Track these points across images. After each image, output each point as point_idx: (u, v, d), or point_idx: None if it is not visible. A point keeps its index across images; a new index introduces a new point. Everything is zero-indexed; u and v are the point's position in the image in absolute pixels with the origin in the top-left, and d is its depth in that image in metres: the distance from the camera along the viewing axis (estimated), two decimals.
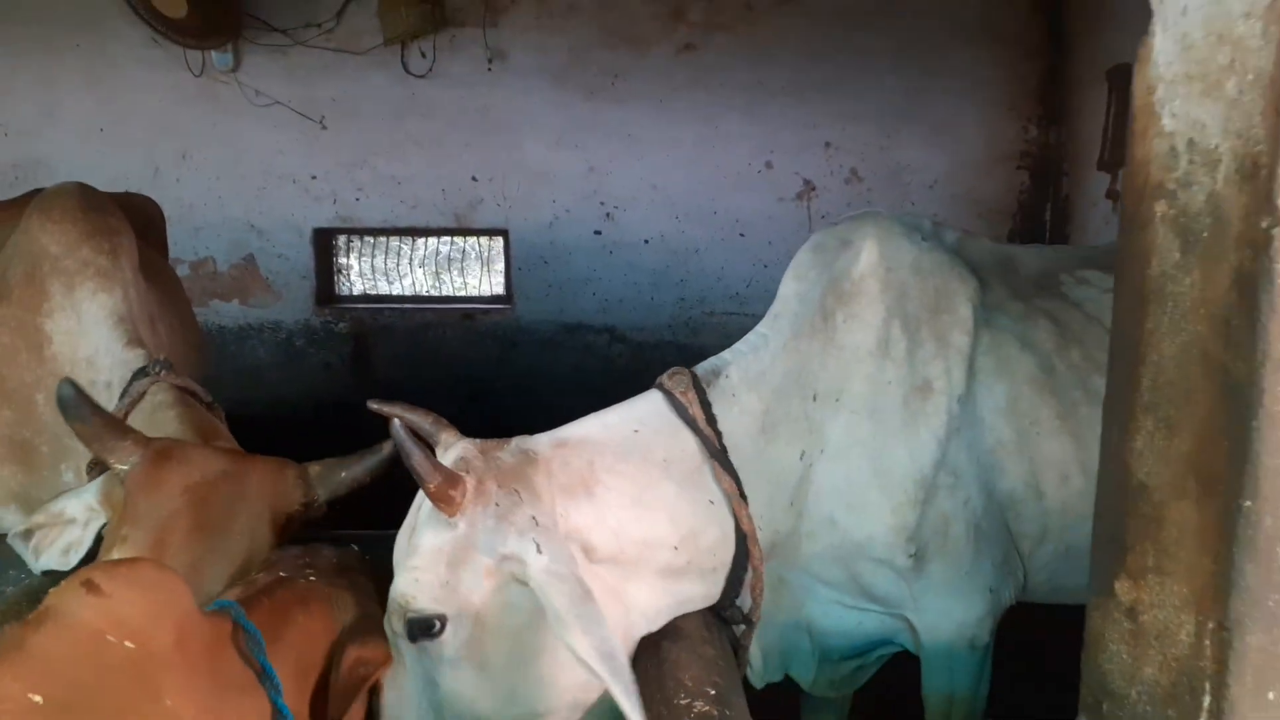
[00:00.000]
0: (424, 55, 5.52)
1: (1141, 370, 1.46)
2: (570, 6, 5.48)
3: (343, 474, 1.92)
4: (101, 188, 3.27)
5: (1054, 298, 2.32)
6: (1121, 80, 4.72)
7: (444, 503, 1.53)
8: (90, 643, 0.98)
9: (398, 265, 6.14)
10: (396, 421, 1.50)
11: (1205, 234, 1.30)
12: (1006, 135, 5.64)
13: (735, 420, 1.94)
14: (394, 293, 6.13)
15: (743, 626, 1.93)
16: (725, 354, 2.07)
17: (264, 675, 1.19)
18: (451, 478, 1.54)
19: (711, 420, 1.89)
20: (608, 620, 1.52)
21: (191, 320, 3.17)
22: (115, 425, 1.82)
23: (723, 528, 1.86)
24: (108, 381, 2.35)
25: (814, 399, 2.03)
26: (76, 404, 1.78)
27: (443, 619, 1.54)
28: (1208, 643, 1.30)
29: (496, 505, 1.58)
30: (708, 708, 1.56)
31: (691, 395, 1.90)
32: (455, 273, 6.16)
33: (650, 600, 1.77)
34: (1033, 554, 2.17)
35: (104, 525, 1.80)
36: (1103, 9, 5.11)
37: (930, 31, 5.39)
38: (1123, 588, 1.52)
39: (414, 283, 6.15)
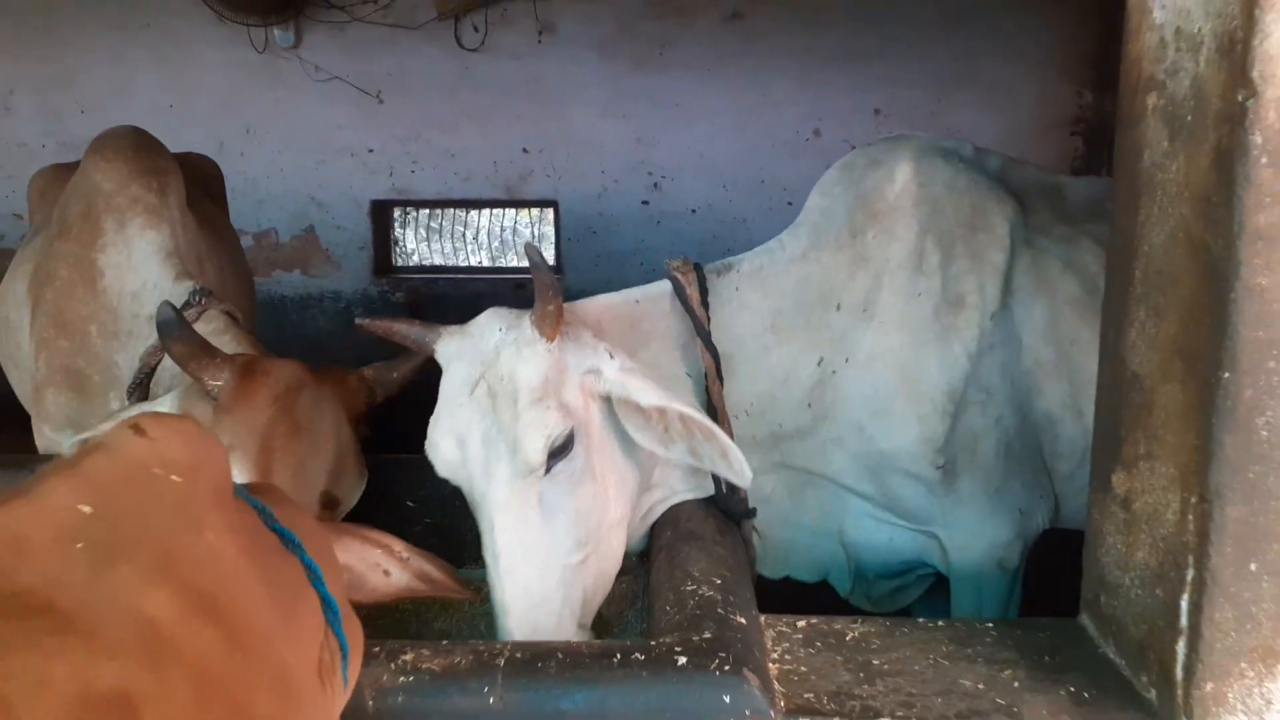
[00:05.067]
0: (476, 29, 5.65)
1: (1135, 264, 1.49)
2: None
3: (393, 374, 2.10)
4: None
5: (1101, 222, 2.33)
6: None
7: (552, 323, 1.71)
8: (139, 472, 1.03)
9: (452, 237, 6.29)
10: (535, 258, 1.69)
11: (1190, 118, 1.34)
12: (1061, 100, 5.57)
13: (734, 312, 2.06)
14: (448, 264, 6.28)
15: (750, 521, 2.00)
16: (743, 255, 2.19)
17: (284, 539, 1.23)
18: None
19: (706, 305, 2.01)
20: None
21: (244, 269, 3.32)
22: (206, 346, 1.93)
23: (692, 402, 1.97)
24: (150, 315, 2.49)
25: (838, 309, 2.10)
26: (173, 326, 1.89)
27: (572, 434, 1.71)
28: (1190, 517, 1.34)
29: (566, 332, 1.77)
30: (712, 593, 1.63)
31: (692, 277, 2.04)
32: (509, 245, 6.29)
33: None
34: (1071, 476, 2.18)
35: None
36: None
37: None
38: (1118, 479, 1.55)
39: (469, 254, 6.30)
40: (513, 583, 1.69)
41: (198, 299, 2.39)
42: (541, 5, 5.58)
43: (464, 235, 6.29)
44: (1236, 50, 1.22)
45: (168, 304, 1.94)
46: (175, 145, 5.40)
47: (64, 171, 3.33)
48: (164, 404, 1.94)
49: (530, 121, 5.74)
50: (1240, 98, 1.21)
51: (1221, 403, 1.27)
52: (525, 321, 1.74)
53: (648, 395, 1.75)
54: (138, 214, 2.55)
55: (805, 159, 5.67)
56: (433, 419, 1.81)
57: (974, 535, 2.15)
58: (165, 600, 0.92)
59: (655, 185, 5.77)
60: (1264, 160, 1.21)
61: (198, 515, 1.05)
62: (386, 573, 1.42)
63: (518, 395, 1.69)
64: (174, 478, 1.05)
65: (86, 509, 0.95)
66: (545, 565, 1.72)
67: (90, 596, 0.87)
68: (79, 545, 0.92)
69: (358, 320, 1.97)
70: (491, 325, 1.78)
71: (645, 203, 5.79)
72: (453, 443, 1.77)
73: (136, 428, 1.09)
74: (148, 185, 2.58)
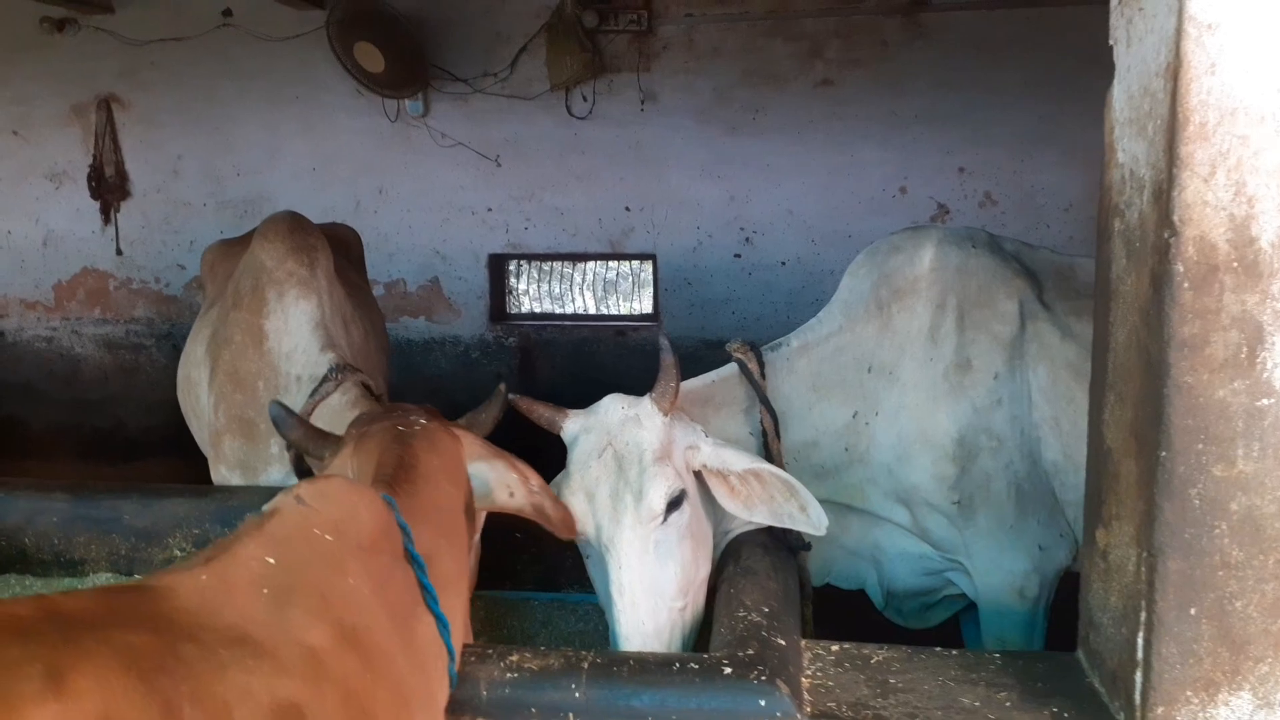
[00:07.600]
0: (585, 99, 6.15)
1: (1108, 356, 1.80)
2: (715, 50, 5.98)
3: (484, 417, 2.45)
4: (312, 219, 3.99)
5: None
6: None
7: (670, 400, 2.12)
8: (303, 532, 1.37)
9: (561, 287, 6.79)
10: (664, 341, 2.16)
11: (1138, 244, 1.65)
12: None
13: (784, 378, 2.49)
14: (556, 311, 6.78)
15: (806, 551, 2.38)
16: (791, 333, 2.62)
17: (410, 558, 1.59)
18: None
19: (763, 375, 2.44)
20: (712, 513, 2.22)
21: (381, 328, 3.82)
22: (314, 430, 2.23)
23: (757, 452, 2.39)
24: (299, 375, 2.95)
25: (869, 371, 2.50)
26: (284, 421, 2.23)
27: (684, 492, 2.11)
28: (1143, 569, 1.64)
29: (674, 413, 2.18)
30: (758, 619, 1.98)
31: (750, 355, 2.48)
32: (611, 294, 6.75)
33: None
34: (1078, 521, 2.47)
35: None
36: None
37: (1061, 61, 5.54)
38: (1100, 534, 1.85)
39: (574, 303, 6.79)
40: (634, 614, 2.05)
41: (335, 374, 2.83)
42: (645, 76, 6.04)
43: (570, 285, 6.78)
44: (1163, 197, 1.53)
45: (275, 403, 2.26)
46: (318, 203, 6.11)
47: (229, 246, 3.90)
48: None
49: (633, 182, 6.19)
50: (1166, 235, 1.52)
51: (1161, 476, 1.57)
52: (645, 400, 2.16)
53: (741, 461, 2.16)
54: (293, 286, 3.04)
55: (890, 215, 5.93)
56: (564, 481, 2.18)
57: (993, 564, 2.48)
58: (321, 634, 1.27)
59: (747, 240, 6.14)
60: (1185, 285, 1.51)
61: (342, 563, 1.40)
62: (511, 494, 1.88)
63: (643, 455, 2.09)
64: (326, 536, 1.41)
65: (271, 560, 1.30)
66: (658, 603, 2.07)
67: (272, 630, 1.21)
68: (265, 591, 1.26)
69: (511, 396, 2.35)
70: (614, 405, 2.19)
71: (737, 255, 6.17)
72: (583, 498, 2.13)
73: (299, 498, 1.46)
74: (300, 261, 3.07)
